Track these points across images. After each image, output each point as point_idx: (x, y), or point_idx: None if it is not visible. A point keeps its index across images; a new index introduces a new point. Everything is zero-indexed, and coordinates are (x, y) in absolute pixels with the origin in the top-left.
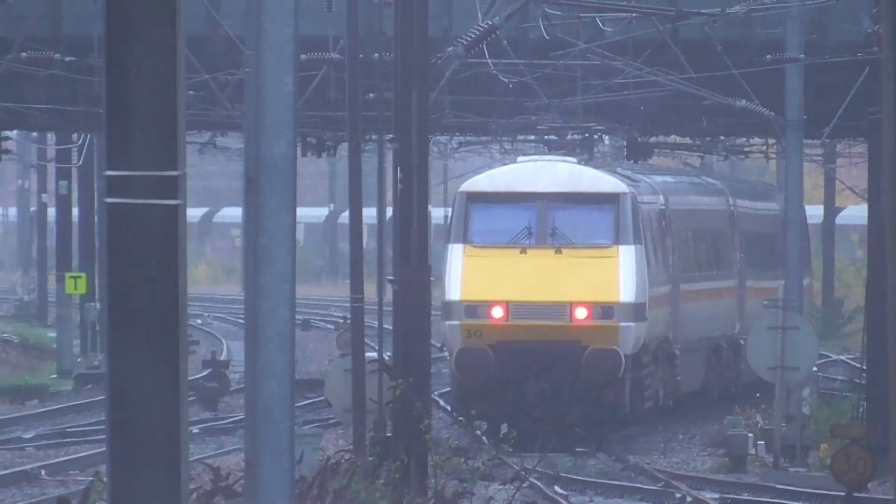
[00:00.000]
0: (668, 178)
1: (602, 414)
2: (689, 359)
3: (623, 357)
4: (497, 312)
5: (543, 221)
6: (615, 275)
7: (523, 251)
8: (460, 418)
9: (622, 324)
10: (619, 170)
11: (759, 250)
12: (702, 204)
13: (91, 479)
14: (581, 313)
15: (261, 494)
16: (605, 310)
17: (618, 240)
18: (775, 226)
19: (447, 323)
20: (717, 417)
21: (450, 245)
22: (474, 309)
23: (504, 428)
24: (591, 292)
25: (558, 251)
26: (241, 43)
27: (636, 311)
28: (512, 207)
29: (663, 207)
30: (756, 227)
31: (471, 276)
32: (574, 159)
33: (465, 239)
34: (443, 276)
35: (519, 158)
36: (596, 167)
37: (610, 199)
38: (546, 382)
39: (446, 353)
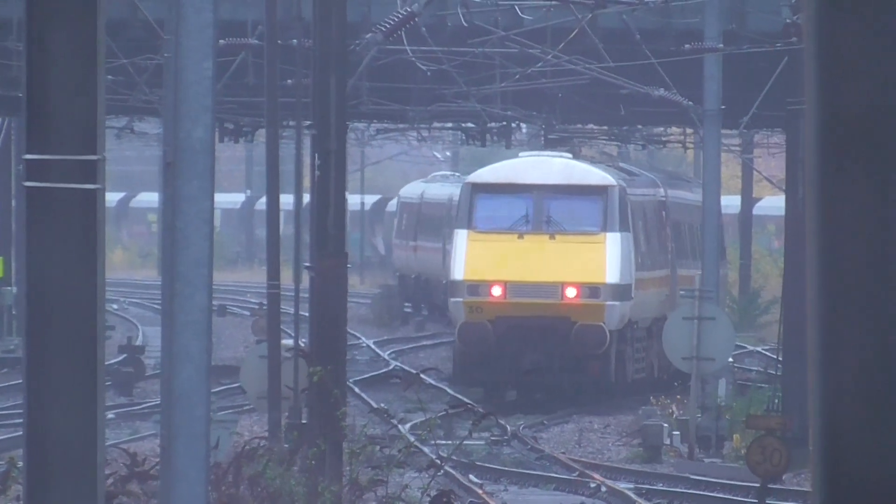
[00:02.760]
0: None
1: (589, 382)
2: None
3: (608, 332)
4: (496, 291)
5: (539, 210)
6: (602, 258)
7: (521, 236)
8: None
9: (608, 302)
10: (622, 165)
11: (689, 240)
12: (689, 197)
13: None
14: (571, 292)
15: (176, 480)
16: (591, 290)
17: (605, 227)
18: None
19: (451, 300)
20: (632, 407)
21: (455, 230)
22: (476, 287)
23: (513, 395)
24: (580, 274)
25: (552, 237)
26: (160, 27)
27: (621, 291)
28: (511, 197)
29: (663, 199)
30: (685, 217)
31: (473, 258)
32: (569, 155)
33: (469, 225)
34: (449, 258)
35: (520, 154)
36: (595, 163)
37: (599, 191)
38: (539, 354)
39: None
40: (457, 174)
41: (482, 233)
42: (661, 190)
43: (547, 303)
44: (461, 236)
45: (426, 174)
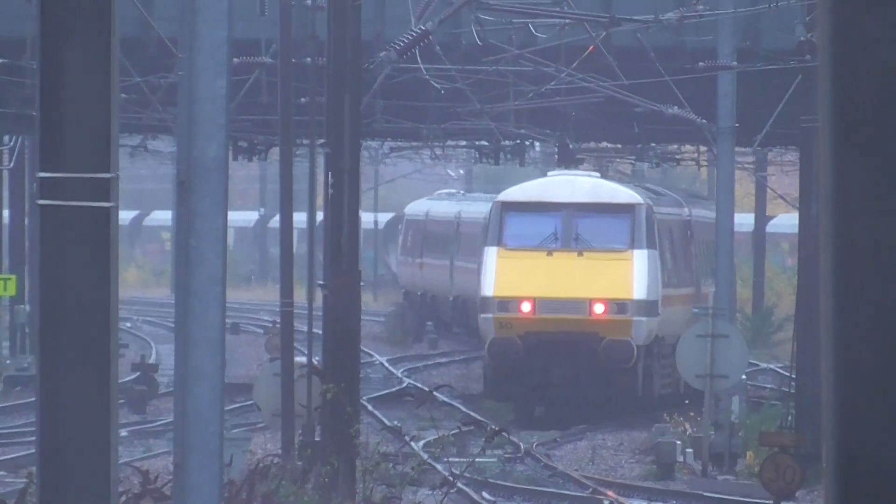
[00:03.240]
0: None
1: (616, 396)
2: None
3: (635, 347)
4: (526, 307)
5: (568, 228)
6: (629, 275)
7: (550, 253)
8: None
9: (635, 318)
10: (648, 185)
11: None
12: (712, 216)
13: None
14: (599, 308)
15: (189, 497)
16: (619, 305)
17: (633, 244)
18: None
19: (482, 316)
20: (645, 425)
21: (486, 247)
22: (506, 304)
23: (541, 410)
24: (607, 290)
25: (580, 254)
26: (174, 46)
27: (648, 307)
28: (541, 215)
29: (688, 218)
30: (708, 235)
31: (503, 274)
32: (597, 174)
33: (499, 242)
34: (479, 274)
35: (549, 173)
36: (622, 182)
37: (626, 209)
38: (568, 369)
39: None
40: (461, 192)
41: (512, 250)
42: (686, 209)
43: (575, 318)
44: (491, 253)
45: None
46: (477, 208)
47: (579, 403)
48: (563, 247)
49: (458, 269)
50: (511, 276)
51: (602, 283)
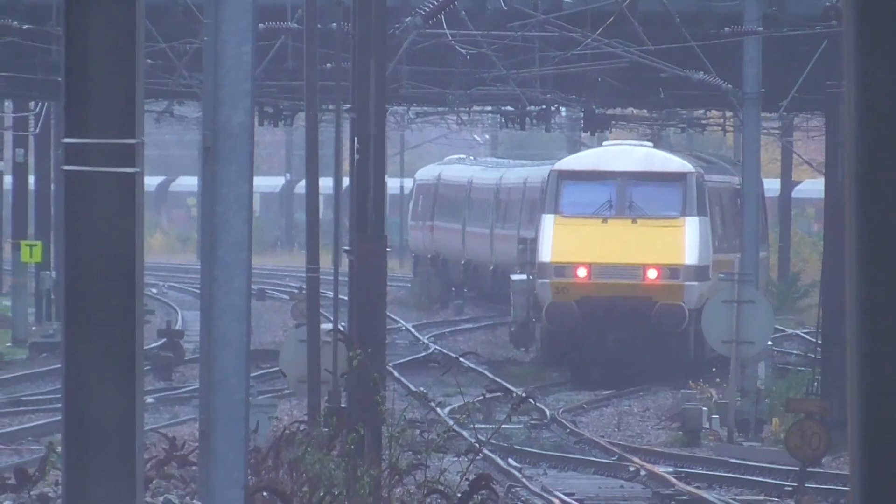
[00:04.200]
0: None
1: (669, 359)
2: None
3: (687, 311)
4: (581, 272)
5: (622, 196)
6: (681, 241)
7: (604, 221)
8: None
9: (687, 283)
10: (698, 154)
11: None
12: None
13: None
14: (652, 274)
15: (215, 464)
16: (672, 271)
17: (685, 212)
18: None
19: (539, 281)
20: (671, 391)
21: (543, 215)
22: (562, 269)
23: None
24: (660, 256)
25: (634, 221)
26: (200, 11)
27: (699, 272)
28: (596, 184)
29: (738, 186)
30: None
31: (560, 241)
32: (650, 143)
33: (556, 210)
34: (537, 241)
35: (604, 143)
36: (672, 152)
37: (679, 178)
38: (622, 332)
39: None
40: (472, 157)
41: (568, 217)
42: (736, 177)
43: (629, 283)
44: (548, 221)
45: (480, 157)
46: (488, 174)
47: (633, 366)
48: (618, 214)
49: (469, 233)
50: (567, 243)
51: (655, 249)
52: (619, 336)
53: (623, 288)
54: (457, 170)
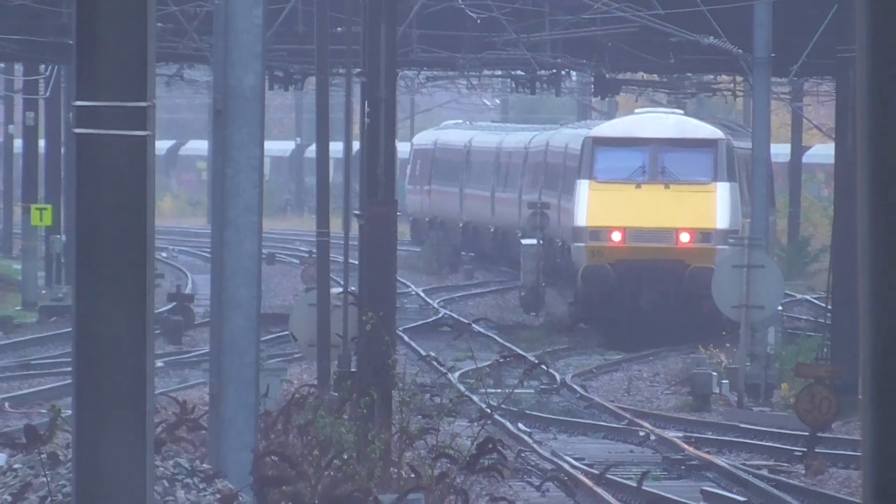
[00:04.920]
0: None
1: (701, 320)
2: None
3: None
4: (616, 236)
5: (655, 162)
6: (713, 206)
7: (638, 186)
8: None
9: (718, 246)
10: (724, 121)
11: None
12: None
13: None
14: (684, 237)
15: (225, 427)
16: (703, 235)
17: (715, 177)
18: None
19: (574, 245)
20: (681, 356)
21: (577, 181)
22: (597, 233)
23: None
24: (692, 220)
25: (667, 186)
26: None
27: (730, 235)
28: (629, 150)
29: None
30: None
31: (595, 206)
32: (681, 111)
33: (590, 176)
34: (571, 206)
35: (636, 110)
36: (701, 118)
37: (709, 144)
38: (655, 294)
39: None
40: (468, 122)
41: (602, 183)
42: None
43: (662, 247)
44: (583, 186)
45: (476, 121)
46: (486, 137)
47: (666, 326)
48: (651, 180)
49: (468, 196)
50: (602, 208)
51: (687, 213)
52: (652, 298)
53: (656, 251)
54: (453, 134)
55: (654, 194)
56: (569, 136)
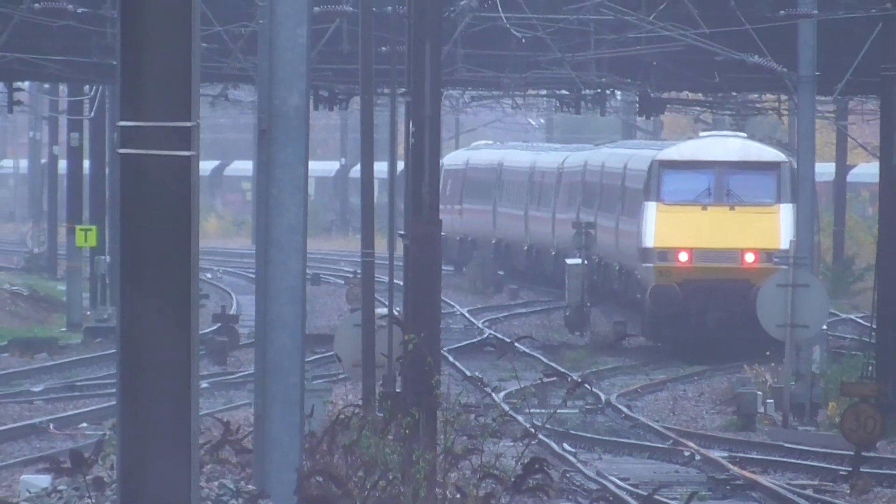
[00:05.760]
0: None
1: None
2: None
3: None
4: (683, 257)
5: (720, 184)
6: (777, 227)
7: (704, 208)
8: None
9: (783, 267)
10: (785, 144)
11: None
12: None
13: (104, 433)
14: (750, 258)
15: (270, 448)
16: (769, 255)
17: (779, 199)
18: None
19: (643, 265)
20: (726, 375)
21: (645, 202)
22: (665, 254)
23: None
24: (757, 241)
25: (732, 208)
26: None
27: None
28: (695, 173)
29: None
30: None
31: (662, 227)
32: (744, 134)
33: (657, 198)
34: (640, 228)
35: (700, 133)
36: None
37: (773, 167)
38: (722, 313)
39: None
40: (498, 143)
41: (669, 205)
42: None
43: (728, 267)
44: (650, 208)
45: (522, 141)
46: (519, 157)
47: (734, 344)
48: (716, 201)
49: (501, 214)
50: (669, 229)
51: (752, 234)
52: (719, 316)
53: (722, 271)
54: (485, 154)
55: (719, 216)
56: (606, 156)
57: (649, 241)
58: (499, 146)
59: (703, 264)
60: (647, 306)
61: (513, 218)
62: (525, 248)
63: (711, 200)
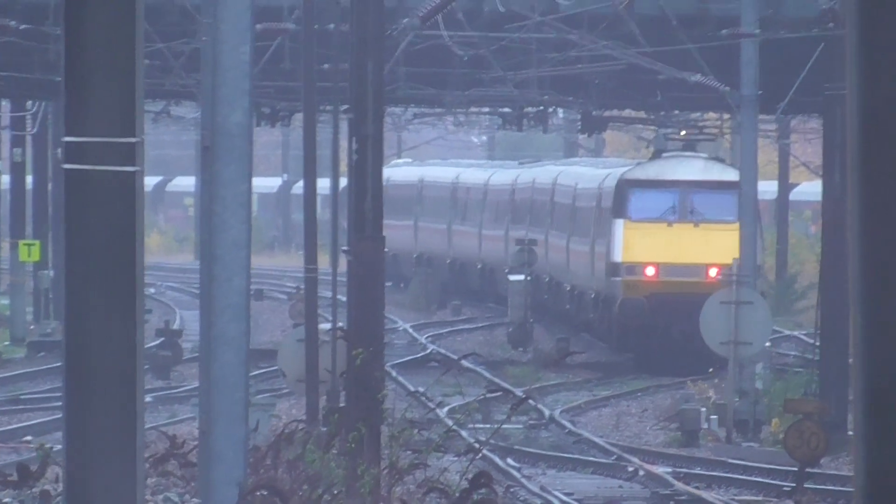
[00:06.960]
0: None
1: None
2: None
3: None
4: (650, 271)
5: (684, 202)
6: (738, 243)
7: (669, 224)
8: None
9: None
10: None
11: None
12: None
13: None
14: (713, 272)
15: (215, 462)
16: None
17: (740, 216)
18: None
19: (611, 279)
20: (669, 392)
21: (613, 219)
22: (632, 268)
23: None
24: (721, 256)
25: (696, 225)
26: (197, 12)
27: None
28: (660, 191)
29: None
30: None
31: (629, 243)
32: (706, 154)
33: (624, 215)
34: (607, 244)
35: (663, 154)
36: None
37: (734, 185)
38: (686, 325)
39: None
40: (417, 161)
41: (636, 222)
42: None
43: (693, 281)
44: (618, 225)
45: (464, 158)
46: (439, 173)
47: (699, 354)
48: (681, 219)
49: (422, 229)
50: (636, 245)
51: (716, 250)
52: (683, 328)
53: (687, 285)
54: (403, 172)
55: (684, 232)
56: (541, 173)
57: (617, 256)
58: (417, 164)
59: (668, 278)
60: (616, 318)
61: (434, 233)
62: (449, 261)
63: (676, 218)
